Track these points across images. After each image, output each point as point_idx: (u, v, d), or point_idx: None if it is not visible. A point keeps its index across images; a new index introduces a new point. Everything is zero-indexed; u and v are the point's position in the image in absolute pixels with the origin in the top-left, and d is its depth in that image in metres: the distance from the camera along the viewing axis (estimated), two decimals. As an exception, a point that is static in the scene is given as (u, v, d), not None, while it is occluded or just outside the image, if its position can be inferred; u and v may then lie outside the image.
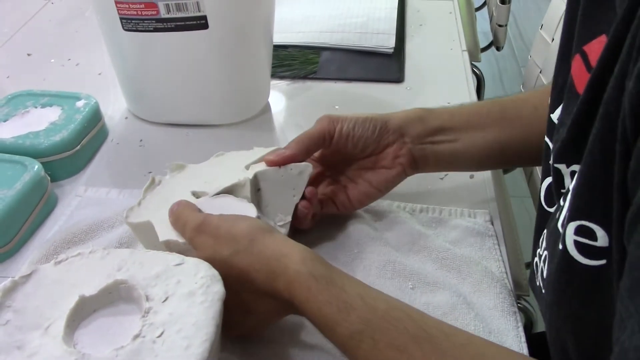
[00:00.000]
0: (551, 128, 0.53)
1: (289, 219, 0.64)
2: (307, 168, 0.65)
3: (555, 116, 0.53)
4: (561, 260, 0.44)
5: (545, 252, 0.49)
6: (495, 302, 0.61)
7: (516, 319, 0.60)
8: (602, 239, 0.40)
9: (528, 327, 1.07)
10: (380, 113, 0.68)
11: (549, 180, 0.53)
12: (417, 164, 0.68)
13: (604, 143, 0.38)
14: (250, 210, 0.59)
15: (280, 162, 0.63)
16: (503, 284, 0.64)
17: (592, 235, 0.41)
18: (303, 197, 0.65)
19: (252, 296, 0.52)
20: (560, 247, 0.44)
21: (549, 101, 0.55)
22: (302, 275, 0.49)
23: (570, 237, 0.43)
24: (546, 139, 0.55)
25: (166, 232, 0.57)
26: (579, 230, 0.42)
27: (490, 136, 0.68)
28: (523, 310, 1.06)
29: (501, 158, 0.71)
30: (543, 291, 0.49)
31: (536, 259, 0.52)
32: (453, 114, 0.69)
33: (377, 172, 0.68)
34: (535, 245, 0.55)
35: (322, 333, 0.49)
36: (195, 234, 0.54)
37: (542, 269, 0.50)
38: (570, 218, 0.43)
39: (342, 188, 0.69)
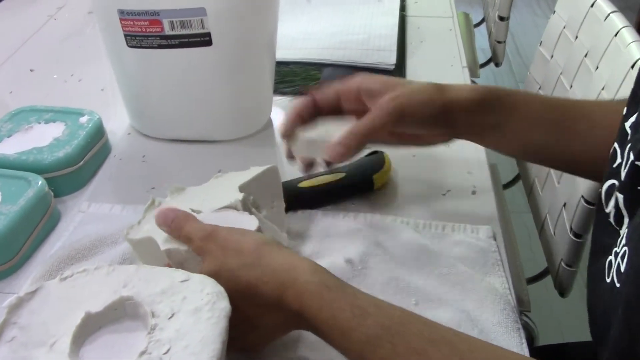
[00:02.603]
0: (623, 135, 0.54)
1: (284, 234, 0.65)
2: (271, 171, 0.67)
3: (628, 124, 0.54)
4: None
5: (625, 249, 0.48)
6: (499, 319, 0.62)
7: (520, 335, 0.61)
8: None
9: (529, 342, 1.07)
10: (440, 96, 0.65)
11: (610, 182, 0.54)
12: (457, 137, 0.70)
13: None
14: (252, 223, 0.60)
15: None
16: (506, 300, 0.64)
17: None
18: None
19: (258, 310, 0.52)
20: None
21: (624, 111, 0.56)
22: (313, 284, 0.49)
23: None
24: (615, 145, 0.55)
25: (166, 243, 0.57)
26: None
27: (537, 136, 0.67)
28: (524, 326, 1.06)
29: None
30: (617, 285, 0.49)
31: (611, 257, 0.51)
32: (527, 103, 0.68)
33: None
34: (595, 246, 0.56)
35: (333, 342, 0.49)
36: (204, 243, 0.54)
37: (619, 264, 0.49)
38: None
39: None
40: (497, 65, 1.82)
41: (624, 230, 0.51)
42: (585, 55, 1.01)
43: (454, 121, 0.66)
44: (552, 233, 1.03)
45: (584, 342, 0.95)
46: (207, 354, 0.45)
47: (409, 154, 0.82)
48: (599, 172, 0.72)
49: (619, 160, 0.54)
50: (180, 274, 0.52)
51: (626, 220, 0.51)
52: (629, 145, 0.51)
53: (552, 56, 1.16)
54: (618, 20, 0.93)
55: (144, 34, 0.77)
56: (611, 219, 0.54)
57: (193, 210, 0.62)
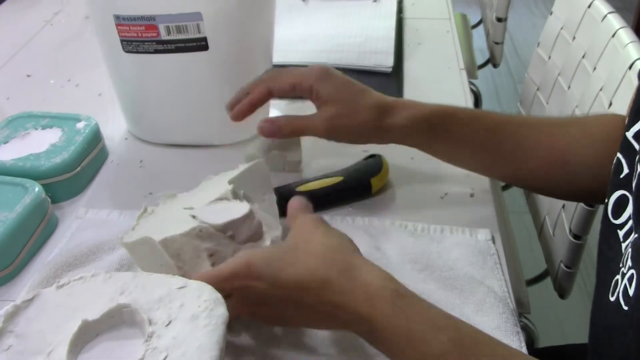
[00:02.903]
0: (627, 145, 0.54)
1: (279, 225, 0.66)
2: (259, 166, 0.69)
3: (630, 134, 0.54)
4: None
5: (632, 272, 0.48)
6: (499, 322, 0.61)
7: (519, 339, 0.60)
8: None
9: (529, 344, 1.07)
10: (378, 120, 0.69)
11: (618, 193, 0.54)
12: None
13: None
14: (243, 208, 0.61)
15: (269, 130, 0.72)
16: (505, 304, 0.63)
17: None
18: None
19: (317, 306, 0.51)
20: None
21: (626, 122, 0.56)
22: (387, 290, 0.49)
23: None
24: (619, 155, 0.56)
25: (161, 235, 0.58)
26: None
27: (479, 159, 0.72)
28: (524, 328, 1.06)
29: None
30: (625, 308, 0.49)
31: (618, 276, 0.51)
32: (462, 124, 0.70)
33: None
34: (602, 257, 0.56)
35: (397, 352, 0.49)
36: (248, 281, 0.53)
37: (626, 286, 0.49)
38: None
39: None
40: (495, 66, 1.82)
41: (627, 247, 0.51)
42: (583, 56, 1.01)
43: (387, 139, 0.72)
44: (552, 234, 1.02)
45: (585, 344, 0.95)
46: (204, 361, 0.45)
47: (407, 157, 0.82)
48: (541, 189, 0.77)
49: (626, 170, 0.54)
50: (178, 280, 0.52)
51: (632, 234, 0.50)
52: (639, 155, 0.51)
53: (549, 57, 1.16)
54: (615, 21, 0.93)
55: (140, 39, 0.77)
56: (620, 231, 0.53)
57: (185, 209, 0.62)
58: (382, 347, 0.50)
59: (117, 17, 0.76)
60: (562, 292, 1.01)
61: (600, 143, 0.66)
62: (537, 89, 1.20)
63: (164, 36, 0.77)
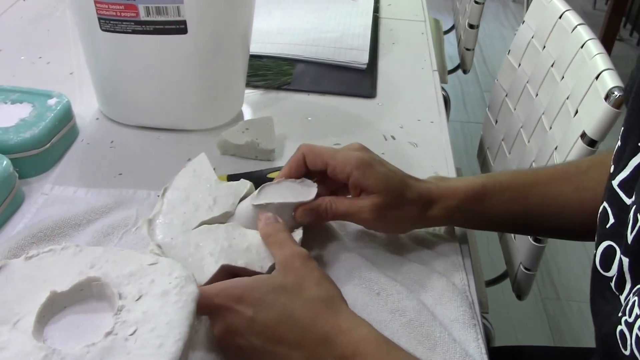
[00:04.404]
0: (612, 194, 0.54)
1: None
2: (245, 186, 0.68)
3: (616, 183, 0.53)
4: None
5: None
6: (457, 315, 0.63)
7: (476, 331, 0.62)
8: None
9: (486, 343, 1.09)
10: (423, 193, 0.67)
11: (605, 244, 0.54)
12: None
13: None
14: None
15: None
16: (464, 297, 0.65)
17: None
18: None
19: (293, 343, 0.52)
20: None
21: (611, 170, 0.55)
22: (373, 335, 0.52)
23: None
24: (605, 204, 0.55)
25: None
26: None
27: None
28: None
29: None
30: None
31: (621, 327, 0.49)
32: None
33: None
34: (595, 306, 0.56)
35: None
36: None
37: (637, 335, 0.47)
38: None
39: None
40: (465, 72, 1.86)
41: (628, 297, 0.50)
42: (552, 65, 1.04)
43: (428, 226, 0.72)
44: (513, 237, 1.05)
45: (538, 346, 0.97)
46: (173, 337, 0.45)
47: (378, 154, 0.83)
48: (582, 237, 0.72)
49: (612, 220, 0.54)
50: (149, 257, 0.52)
51: (628, 285, 0.50)
52: (634, 207, 0.49)
53: (519, 65, 1.18)
54: (585, 33, 0.96)
55: (119, 18, 0.77)
56: (612, 283, 0.53)
57: (205, 222, 0.64)
58: None
59: (96, -5, 0.75)
60: (520, 294, 1.03)
61: None
62: (506, 95, 1.22)
63: (143, 17, 0.76)
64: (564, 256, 2.02)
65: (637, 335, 0.47)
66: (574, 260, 2.00)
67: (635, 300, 0.48)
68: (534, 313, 1.82)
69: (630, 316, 0.48)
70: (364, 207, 0.65)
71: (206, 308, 0.53)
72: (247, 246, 0.60)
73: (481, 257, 1.25)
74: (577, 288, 1.91)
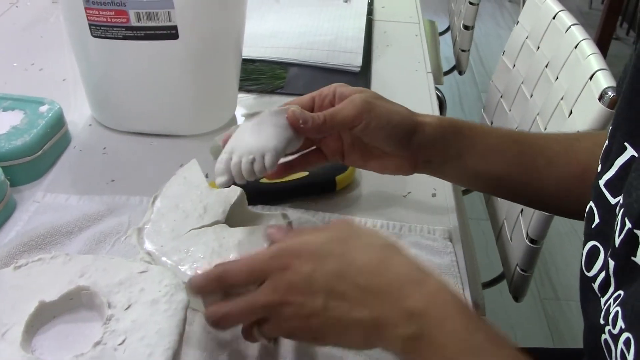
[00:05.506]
0: (598, 194, 0.53)
1: None
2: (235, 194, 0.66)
3: (602, 182, 0.52)
4: None
5: (628, 336, 0.44)
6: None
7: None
8: None
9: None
10: (410, 115, 0.65)
11: (590, 244, 0.53)
12: (418, 169, 0.67)
13: None
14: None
15: (300, 125, 0.60)
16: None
17: None
18: None
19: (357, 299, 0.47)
20: None
21: (598, 169, 0.54)
22: (449, 294, 0.46)
23: None
24: (592, 204, 0.54)
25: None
26: None
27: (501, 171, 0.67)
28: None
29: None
30: None
31: (605, 336, 0.48)
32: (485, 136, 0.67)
33: (373, 159, 0.67)
34: (585, 312, 0.55)
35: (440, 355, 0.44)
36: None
37: (622, 351, 0.45)
38: None
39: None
40: (460, 73, 1.85)
41: (608, 301, 0.49)
42: (546, 66, 1.04)
43: (418, 145, 0.64)
44: (509, 239, 1.05)
45: (537, 348, 0.97)
46: (163, 345, 0.45)
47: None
48: (557, 207, 0.71)
49: (597, 220, 0.53)
50: (139, 265, 0.51)
51: (611, 289, 0.49)
52: (622, 210, 0.48)
53: (514, 65, 1.18)
54: (578, 33, 0.96)
55: (109, 24, 0.76)
56: (594, 285, 0.52)
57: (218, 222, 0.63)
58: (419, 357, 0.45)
59: (86, 1, 0.75)
60: (517, 295, 1.03)
61: None
62: (501, 96, 1.22)
63: (133, 22, 0.76)
64: (562, 255, 2.01)
65: (622, 350, 0.45)
66: (572, 260, 2.00)
67: (618, 311, 0.46)
68: (533, 314, 1.82)
69: (614, 327, 0.46)
70: (355, 99, 0.62)
71: (261, 272, 0.49)
72: (238, 242, 0.59)
73: (479, 258, 1.25)
74: (576, 287, 1.89)
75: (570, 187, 0.66)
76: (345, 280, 0.47)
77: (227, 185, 0.60)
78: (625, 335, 0.45)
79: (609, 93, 0.81)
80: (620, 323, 0.46)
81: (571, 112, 0.91)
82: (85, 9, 0.76)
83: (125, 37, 0.77)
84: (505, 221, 1.08)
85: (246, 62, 1.02)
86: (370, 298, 0.46)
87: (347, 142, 0.67)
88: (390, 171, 0.68)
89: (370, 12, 1.29)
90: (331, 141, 0.67)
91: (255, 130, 0.61)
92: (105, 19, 0.76)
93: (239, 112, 0.95)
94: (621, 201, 0.49)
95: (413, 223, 0.74)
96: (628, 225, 0.46)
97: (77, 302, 0.49)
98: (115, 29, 0.77)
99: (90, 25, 0.77)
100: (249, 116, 0.62)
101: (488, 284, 1.17)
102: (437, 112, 0.98)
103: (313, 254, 0.48)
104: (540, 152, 0.67)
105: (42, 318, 0.48)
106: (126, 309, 0.47)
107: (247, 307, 0.48)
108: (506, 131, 0.69)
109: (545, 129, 0.99)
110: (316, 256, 0.48)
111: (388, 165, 0.67)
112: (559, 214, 0.76)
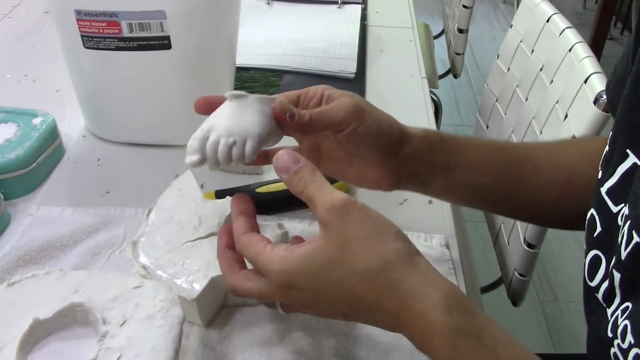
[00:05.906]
0: (599, 202, 0.52)
1: None
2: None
3: (604, 190, 0.52)
4: None
5: (637, 351, 0.44)
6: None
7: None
8: None
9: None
10: (399, 124, 0.61)
11: (592, 253, 0.52)
12: (401, 184, 0.63)
13: None
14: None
15: (286, 118, 0.55)
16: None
17: None
18: None
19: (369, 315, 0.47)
20: None
21: (599, 176, 0.54)
22: (447, 327, 0.42)
23: None
24: (593, 211, 0.53)
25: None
26: None
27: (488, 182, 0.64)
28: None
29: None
30: None
31: (614, 349, 0.47)
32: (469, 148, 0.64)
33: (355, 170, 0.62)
34: (589, 322, 0.54)
35: None
36: (330, 216, 0.47)
37: None
38: None
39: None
40: (455, 76, 1.85)
41: (615, 312, 0.48)
42: (541, 69, 1.03)
43: (406, 156, 0.60)
44: (507, 243, 1.04)
45: (539, 354, 0.96)
46: (158, 362, 0.45)
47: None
48: (544, 217, 0.69)
49: (599, 229, 0.52)
50: (134, 280, 0.51)
51: (617, 300, 0.48)
52: (628, 222, 0.47)
53: (508, 69, 1.18)
54: (572, 36, 0.96)
55: (102, 35, 0.76)
56: (598, 294, 0.51)
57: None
58: None
59: (78, 12, 0.75)
60: (515, 300, 1.03)
61: (598, 162, 0.59)
62: (496, 100, 1.22)
63: (126, 33, 0.76)
64: (560, 258, 2.01)
65: None
66: (570, 262, 2.00)
67: (627, 325, 0.45)
68: (533, 317, 1.82)
69: (623, 341, 0.45)
70: (344, 102, 0.57)
71: (265, 299, 0.50)
72: None
73: (478, 261, 1.25)
74: (575, 289, 1.90)
75: (556, 196, 0.64)
76: (349, 305, 0.47)
77: (196, 165, 0.55)
78: (634, 351, 0.44)
79: (604, 96, 0.81)
80: (630, 338, 0.45)
81: (566, 116, 0.91)
82: (78, 20, 0.75)
83: (117, 48, 0.77)
84: (502, 225, 1.08)
85: (240, 70, 1.02)
86: (379, 319, 0.47)
87: (326, 148, 0.62)
88: (369, 184, 0.63)
89: (364, 18, 1.29)
90: (309, 144, 0.63)
91: (238, 113, 0.55)
92: (97, 30, 0.76)
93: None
94: (626, 212, 0.48)
95: (410, 231, 0.74)
96: (636, 239, 0.45)
97: (71, 319, 0.49)
98: (107, 40, 0.76)
99: (82, 36, 0.77)
100: (232, 96, 0.56)
101: (487, 288, 1.17)
102: (432, 117, 0.98)
103: (308, 284, 0.46)
104: (525, 160, 0.65)
105: (36, 336, 0.47)
106: (121, 325, 0.47)
107: (261, 299, 0.51)
108: (490, 141, 0.67)
109: (541, 132, 0.99)
110: (312, 287, 0.46)
111: (368, 177, 0.62)
112: (545, 224, 0.75)
